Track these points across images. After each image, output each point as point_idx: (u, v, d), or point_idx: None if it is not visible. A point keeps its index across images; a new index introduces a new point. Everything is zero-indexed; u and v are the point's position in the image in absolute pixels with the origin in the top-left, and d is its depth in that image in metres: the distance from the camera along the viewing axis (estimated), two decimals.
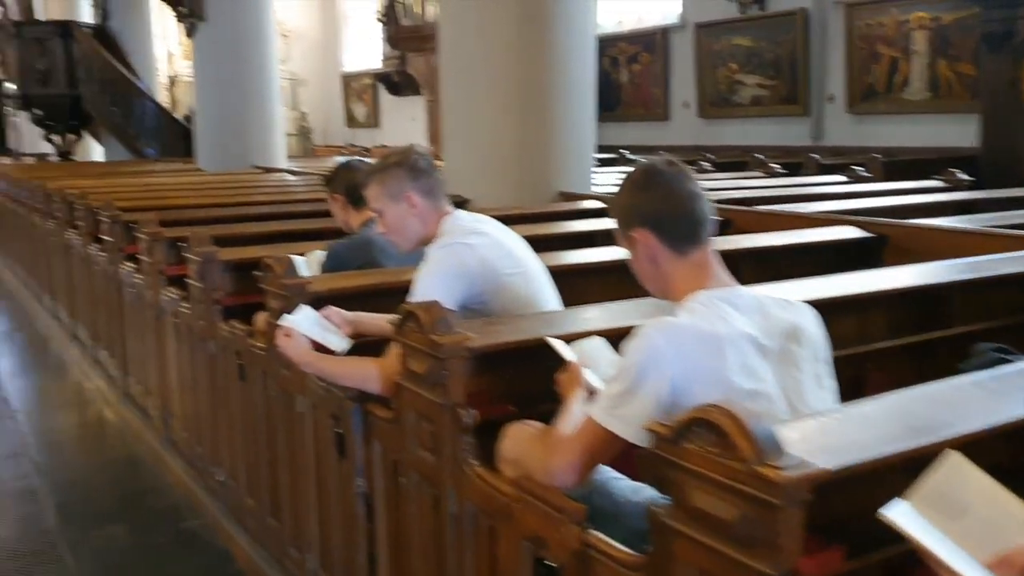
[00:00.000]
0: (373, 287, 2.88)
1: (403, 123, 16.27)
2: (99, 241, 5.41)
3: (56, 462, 4.46)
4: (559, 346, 1.93)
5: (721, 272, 1.77)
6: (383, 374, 2.22)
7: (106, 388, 5.39)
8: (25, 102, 13.42)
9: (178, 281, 4.02)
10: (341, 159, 5.00)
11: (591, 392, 1.77)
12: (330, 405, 2.51)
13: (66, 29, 13.16)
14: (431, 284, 2.31)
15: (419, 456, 2.09)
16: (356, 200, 3.26)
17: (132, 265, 4.64)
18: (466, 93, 5.38)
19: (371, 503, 2.35)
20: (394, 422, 2.19)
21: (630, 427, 1.56)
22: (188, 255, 3.63)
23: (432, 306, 2.02)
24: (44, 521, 3.77)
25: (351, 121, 18.23)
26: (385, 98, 17.01)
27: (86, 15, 16.99)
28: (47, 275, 7.26)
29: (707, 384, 1.56)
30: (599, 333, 2.00)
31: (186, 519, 3.72)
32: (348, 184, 3.32)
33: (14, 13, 18.81)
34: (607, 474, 1.79)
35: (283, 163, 9.91)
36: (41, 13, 17.85)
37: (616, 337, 1.83)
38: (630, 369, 1.61)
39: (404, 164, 2.51)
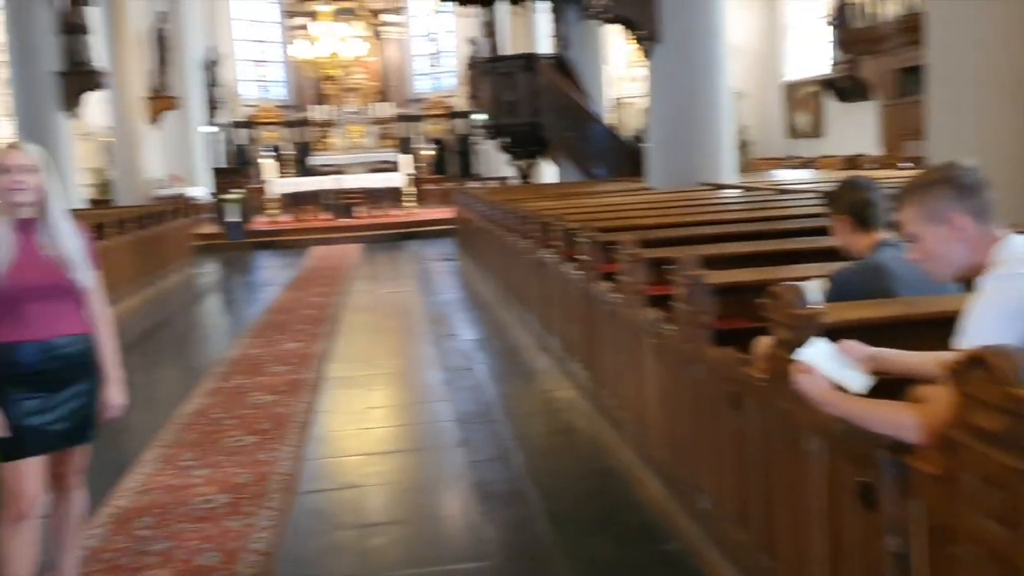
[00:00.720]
0: (890, 319, 2.62)
1: (851, 130, 15.41)
2: (573, 259, 5.72)
3: (537, 467, 4.74)
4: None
5: None
6: (926, 424, 1.97)
7: (577, 398, 5.67)
8: (495, 131, 14.86)
9: (656, 301, 4.08)
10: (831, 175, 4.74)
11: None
12: (851, 449, 2.30)
13: (530, 61, 14.36)
14: (990, 322, 2.00)
15: (983, 526, 1.81)
16: (863, 221, 3.01)
17: (608, 283, 4.82)
18: (959, 91, 4.84)
19: (906, 566, 2.10)
20: (945, 481, 1.92)
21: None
22: (675, 277, 3.64)
23: (1007, 352, 1.73)
24: (535, 525, 4.01)
25: (792, 132, 17.71)
26: (831, 105, 16.26)
27: (546, 47, 18.48)
28: (520, 289, 7.89)
29: None
30: None
31: (666, 540, 3.73)
32: (854, 203, 3.08)
33: (485, 51, 21.05)
34: None
35: (731, 179, 9.84)
36: (508, 49, 19.79)
37: None
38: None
39: (949, 181, 2.21)
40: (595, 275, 5.12)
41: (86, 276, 3.06)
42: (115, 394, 3.19)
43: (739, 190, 9.07)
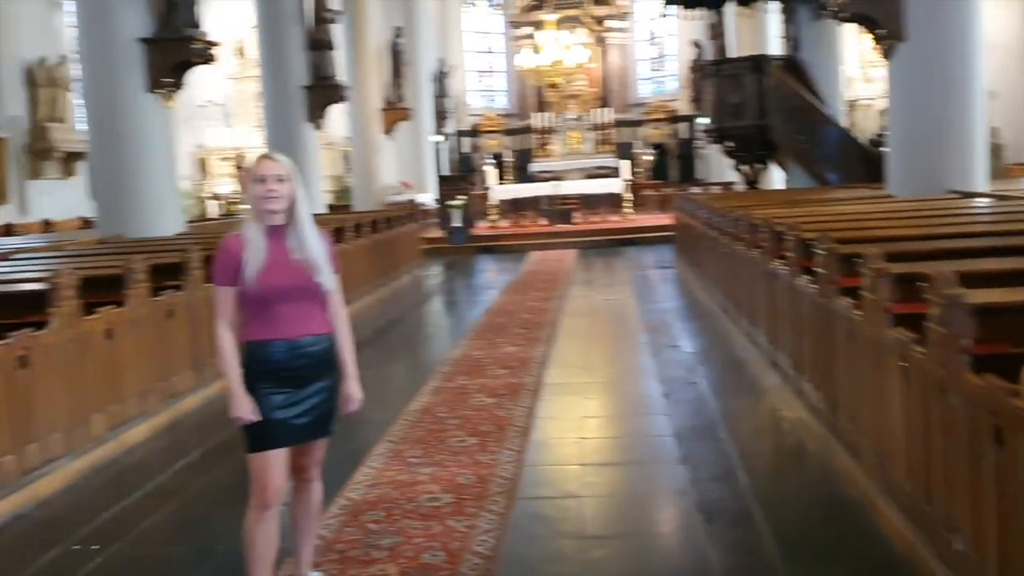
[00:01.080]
0: None
1: None
2: (809, 272, 5.42)
3: (764, 489, 4.51)
4: None
5: None
6: None
7: (808, 419, 5.36)
8: (718, 135, 14.49)
9: (903, 319, 3.77)
10: None
11: None
12: None
13: (758, 63, 13.89)
14: None
15: None
16: None
17: (848, 299, 4.52)
18: None
19: None
20: None
21: None
22: (928, 295, 3.34)
23: None
24: (762, 550, 3.81)
25: None
26: None
27: (774, 48, 17.82)
28: (746, 300, 7.60)
29: None
30: None
31: None
32: None
33: (709, 54, 20.60)
34: None
35: (982, 186, 9.03)
36: (734, 51, 19.25)
37: None
38: None
39: None
40: (833, 289, 4.82)
41: (329, 279, 3.20)
42: (354, 389, 3.31)
43: (992, 199, 8.31)
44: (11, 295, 5.76)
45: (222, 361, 3.16)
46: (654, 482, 4.81)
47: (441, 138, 26.46)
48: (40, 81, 17.91)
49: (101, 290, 5.99)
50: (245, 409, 3.10)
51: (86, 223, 16.76)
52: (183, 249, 7.08)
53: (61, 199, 18.38)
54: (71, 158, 18.52)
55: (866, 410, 4.25)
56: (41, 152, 17.96)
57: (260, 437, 3.14)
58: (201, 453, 5.56)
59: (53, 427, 5.01)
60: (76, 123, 18.51)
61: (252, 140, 24.14)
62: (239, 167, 23.03)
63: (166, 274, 6.66)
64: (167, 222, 10.00)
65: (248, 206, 3.16)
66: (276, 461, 3.16)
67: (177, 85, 10.13)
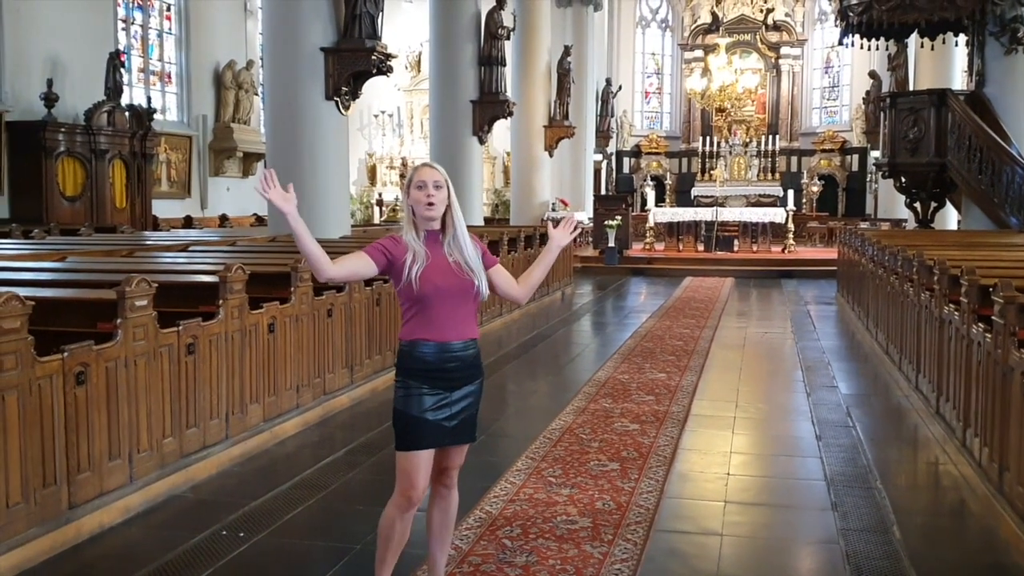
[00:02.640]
0: None
1: None
2: (984, 320, 5.07)
3: (919, 550, 4.22)
4: None
5: None
6: None
7: (973, 477, 5.01)
8: (892, 170, 13.83)
9: None
10: None
11: None
12: None
13: (941, 97, 13.17)
14: None
15: None
16: None
17: None
18: None
19: None
20: None
21: None
22: None
23: None
24: None
25: None
26: None
27: (957, 82, 16.90)
28: (911, 344, 7.19)
29: None
30: None
31: None
32: None
33: (886, 85, 19.77)
34: None
35: None
36: (913, 84, 18.41)
37: None
38: None
39: None
40: (1011, 341, 4.49)
41: (484, 283, 3.24)
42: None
43: None
44: (186, 285, 6.12)
45: (304, 235, 3.11)
46: (800, 528, 4.59)
47: (601, 157, 26.46)
48: (227, 83, 19.12)
49: (267, 285, 6.30)
50: (289, 202, 3.08)
51: (259, 220, 17.74)
52: (347, 252, 7.33)
53: (239, 196, 19.53)
54: (250, 158, 19.66)
55: None
56: (224, 151, 19.15)
57: (412, 436, 3.18)
58: (347, 451, 5.73)
59: (213, 413, 5.28)
60: (258, 125, 19.65)
61: (418, 150, 24.92)
62: (402, 176, 23.78)
63: None
64: (334, 225, 10.43)
65: (405, 213, 3.24)
66: (424, 461, 3.21)
67: (354, 94, 10.56)
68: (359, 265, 3.23)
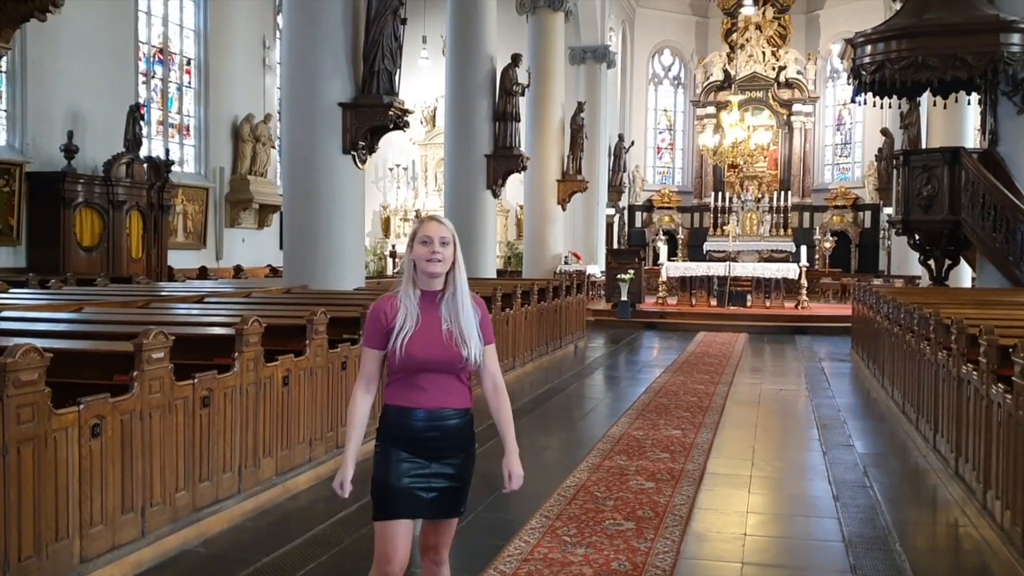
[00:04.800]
0: None
1: None
2: (1003, 380, 5.03)
3: None
4: None
5: None
6: None
7: (995, 541, 4.92)
8: (906, 227, 13.83)
9: None
10: None
11: None
12: None
13: (954, 155, 13.22)
14: None
15: None
16: None
17: None
18: None
19: None
20: None
21: None
22: None
23: None
24: None
25: None
26: None
27: (969, 141, 16.98)
28: (927, 403, 7.13)
29: None
30: None
31: None
32: None
33: (898, 143, 19.86)
34: None
35: None
36: (925, 142, 18.50)
37: None
38: None
39: None
40: None
41: (477, 353, 3.04)
42: (515, 465, 3.13)
43: None
44: (201, 337, 6.14)
45: (349, 422, 3.12)
46: None
47: (613, 211, 26.60)
48: (244, 136, 19.40)
49: (281, 338, 6.30)
50: (347, 477, 3.07)
51: (273, 271, 17.82)
52: (361, 304, 7.36)
53: (254, 247, 19.68)
54: (266, 209, 19.85)
55: None
56: (240, 202, 19.35)
57: (386, 504, 3.02)
58: (360, 506, 5.66)
59: (226, 467, 5.25)
60: (274, 177, 19.88)
61: (432, 202, 25.12)
62: None
63: (343, 327, 6.94)
64: (350, 276, 10.47)
65: (406, 268, 3.06)
66: (401, 533, 3.02)
67: (371, 148, 10.68)
68: (373, 366, 3.12)
